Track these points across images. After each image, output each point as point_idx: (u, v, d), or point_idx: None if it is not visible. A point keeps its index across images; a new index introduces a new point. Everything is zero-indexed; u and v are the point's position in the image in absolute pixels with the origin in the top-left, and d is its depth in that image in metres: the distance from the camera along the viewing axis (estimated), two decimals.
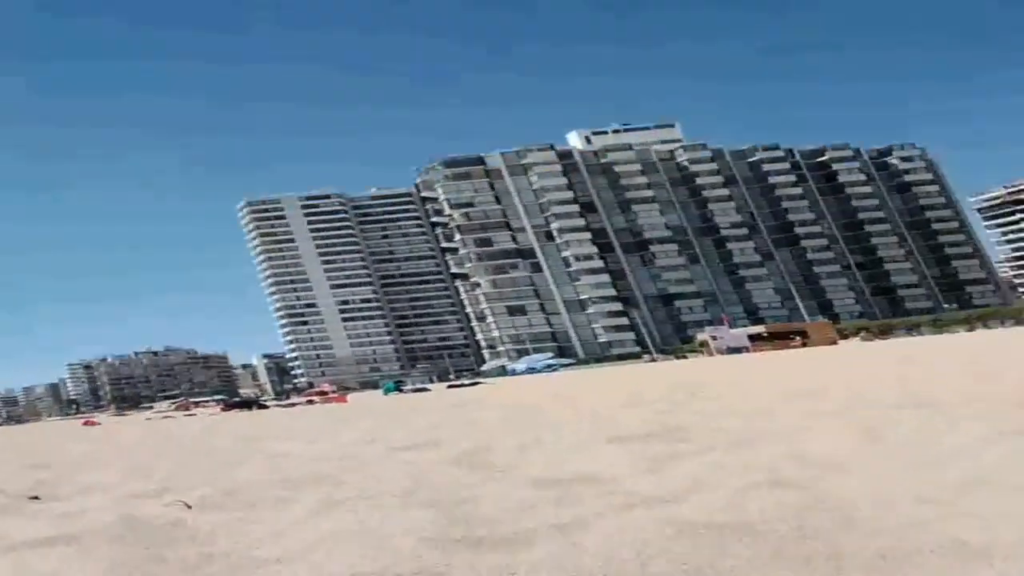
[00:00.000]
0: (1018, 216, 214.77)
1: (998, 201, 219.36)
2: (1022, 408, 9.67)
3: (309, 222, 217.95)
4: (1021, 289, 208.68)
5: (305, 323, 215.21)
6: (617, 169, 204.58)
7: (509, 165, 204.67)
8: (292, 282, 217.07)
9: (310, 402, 76.25)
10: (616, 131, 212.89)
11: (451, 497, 7.07)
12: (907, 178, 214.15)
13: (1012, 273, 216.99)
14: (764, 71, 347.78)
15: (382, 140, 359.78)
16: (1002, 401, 10.71)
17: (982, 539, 4.21)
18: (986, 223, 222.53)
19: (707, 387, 24.50)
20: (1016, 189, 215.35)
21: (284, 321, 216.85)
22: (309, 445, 15.49)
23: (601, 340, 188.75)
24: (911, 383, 16.67)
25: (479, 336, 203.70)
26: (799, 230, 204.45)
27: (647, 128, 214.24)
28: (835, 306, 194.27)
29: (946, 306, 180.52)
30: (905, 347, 58.54)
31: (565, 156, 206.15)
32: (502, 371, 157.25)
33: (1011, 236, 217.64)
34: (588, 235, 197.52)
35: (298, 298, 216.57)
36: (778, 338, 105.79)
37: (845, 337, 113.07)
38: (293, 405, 72.50)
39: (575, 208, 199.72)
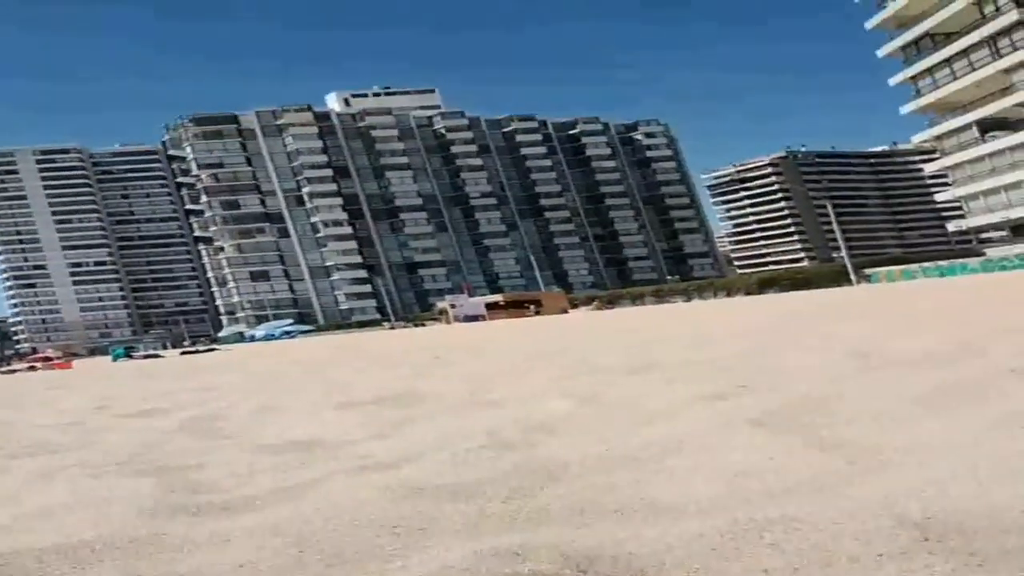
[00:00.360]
0: (742, 194, 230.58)
1: (726, 179, 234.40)
2: (727, 371, 10.39)
3: (44, 178, 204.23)
4: (737, 263, 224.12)
5: (32, 286, 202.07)
6: (374, 134, 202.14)
7: (264, 125, 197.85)
8: (21, 242, 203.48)
9: (32, 368, 72.72)
10: (377, 94, 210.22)
11: (175, 464, 6.93)
12: (649, 154, 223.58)
13: (730, 247, 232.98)
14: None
15: (133, 99, 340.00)
16: (710, 365, 11.49)
17: (675, 496, 4.51)
18: (713, 200, 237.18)
19: (443, 353, 24.90)
20: (743, 168, 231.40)
21: (10, 283, 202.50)
22: (26, 413, 14.70)
23: (343, 307, 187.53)
24: (631, 349, 17.63)
25: (219, 302, 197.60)
26: (544, 201, 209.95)
27: (407, 93, 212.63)
28: (570, 276, 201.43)
29: (669, 277, 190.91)
30: (629, 315, 61.54)
31: (323, 118, 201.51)
32: (240, 337, 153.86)
33: (733, 213, 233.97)
34: (339, 201, 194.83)
35: (26, 259, 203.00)
36: (514, 307, 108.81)
37: (576, 307, 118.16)
38: (13, 371, 68.90)
39: (328, 173, 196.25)
